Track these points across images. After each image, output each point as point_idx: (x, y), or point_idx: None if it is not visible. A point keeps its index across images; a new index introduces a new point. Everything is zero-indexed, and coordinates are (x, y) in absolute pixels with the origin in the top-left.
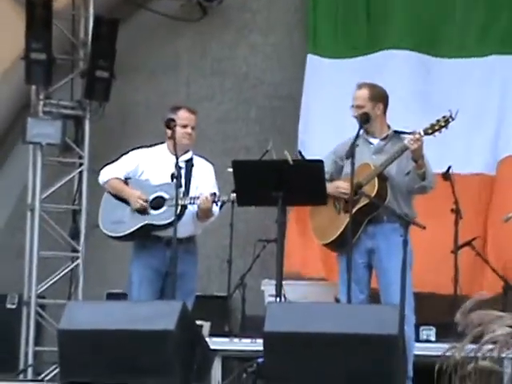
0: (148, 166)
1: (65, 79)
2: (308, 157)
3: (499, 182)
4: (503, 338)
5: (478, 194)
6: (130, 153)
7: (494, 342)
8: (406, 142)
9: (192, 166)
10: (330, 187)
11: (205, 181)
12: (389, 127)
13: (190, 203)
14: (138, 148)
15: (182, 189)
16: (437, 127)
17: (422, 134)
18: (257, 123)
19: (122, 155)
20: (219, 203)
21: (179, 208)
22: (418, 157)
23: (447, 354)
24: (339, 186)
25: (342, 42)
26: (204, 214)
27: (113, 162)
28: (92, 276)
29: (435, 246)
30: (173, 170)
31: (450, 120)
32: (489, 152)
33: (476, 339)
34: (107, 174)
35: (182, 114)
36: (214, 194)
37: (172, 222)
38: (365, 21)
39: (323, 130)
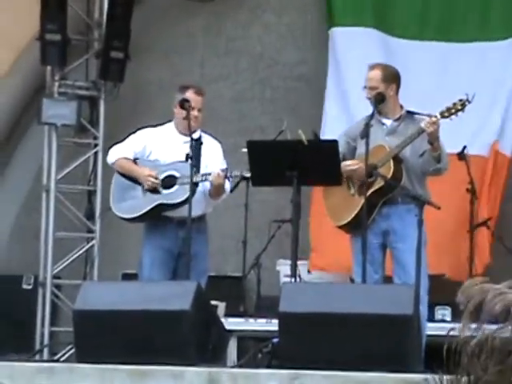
0: (156, 146)
1: (80, 60)
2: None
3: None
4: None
5: (484, 176)
6: (138, 133)
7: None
8: (422, 124)
9: (201, 143)
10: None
11: (213, 159)
12: (401, 107)
13: (202, 180)
14: (146, 127)
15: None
16: (453, 110)
17: (439, 117)
18: (272, 103)
19: (129, 134)
20: (231, 179)
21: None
22: (434, 139)
23: (453, 333)
24: (347, 164)
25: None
26: (217, 190)
27: (121, 141)
28: (107, 256)
29: (449, 226)
30: (181, 149)
31: (467, 103)
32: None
33: (480, 316)
34: (116, 154)
35: (189, 96)
36: (226, 169)
37: (185, 200)
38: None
39: (347, 108)
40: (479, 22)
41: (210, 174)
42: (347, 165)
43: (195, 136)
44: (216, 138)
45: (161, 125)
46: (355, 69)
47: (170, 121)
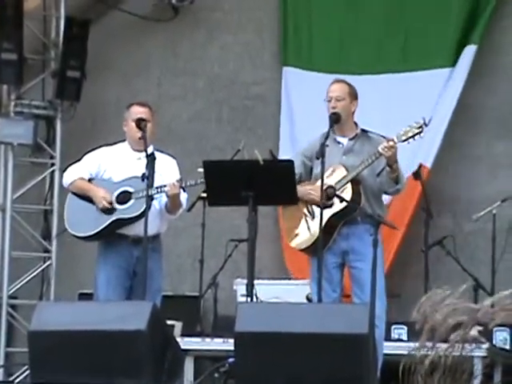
0: (110, 164)
1: (36, 79)
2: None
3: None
4: (463, 334)
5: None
6: (92, 153)
7: (458, 340)
8: (380, 149)
9: (154, 159)
10: (301, 191)
11: (170, 175)
12: (356, 126)
13: (158, 192)
14: (100, 147)
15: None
16: (410, 134)
17: (396, 140)
18: (228, 123)
19: (84, 154)
20: (186, 189)
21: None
22: (392, 162)
23: (411, 352)
24: (311, 193)
25: (317, 56)
26: (173, 202)
27: (75, 162)
28: (64, 276)
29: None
30: (135, 166)
31: (424, 126)
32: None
33: (436, 335)
34: (71, 176)
35: (133, 109)
36: (181, 179)
37: (141, 213)
38: (337, 42)
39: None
40: (423, 53)
41: (165, 186)
42: (307, 190)
43: (148, 151)
44: (170, 155)
45: (116, 143)
46: (304, 108)
47: (124, 140)
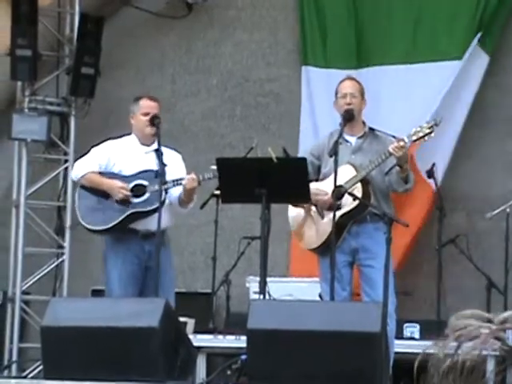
0: (119, 157)
1: (50, 76)
2: None
3: None
4: (483, 335)
5: None
6: (100, 146)
7: (473, 338)
8: (390, 149)
9: (161, 154)
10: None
11: (177, 169)
12: (364, 124)
13: (174, 185)
14: (107, 140)
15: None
16: (421, 134)
17: (407, 140)
18: (242, 120)
19: (91, 147)
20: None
21: (161, 193)
22: (402, 163)
23: (427, 351)
24: (316, 194)
25: (332, 53)
26: (189, 196)
27: (83, 155)
28: (77, 272)
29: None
30: (143, 159)
31: (435, 127)
32: None
33: (457, 337)
34: (82, 169)
35: (143, 103)
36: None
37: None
38: (353, 35)
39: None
40: (430, 45)
41: (181, 179)
42: (316, 194)
43: (155, 146)
44: (175, 150)
45: (122, 136)
46: (326, 106)
47: (129, 133)
